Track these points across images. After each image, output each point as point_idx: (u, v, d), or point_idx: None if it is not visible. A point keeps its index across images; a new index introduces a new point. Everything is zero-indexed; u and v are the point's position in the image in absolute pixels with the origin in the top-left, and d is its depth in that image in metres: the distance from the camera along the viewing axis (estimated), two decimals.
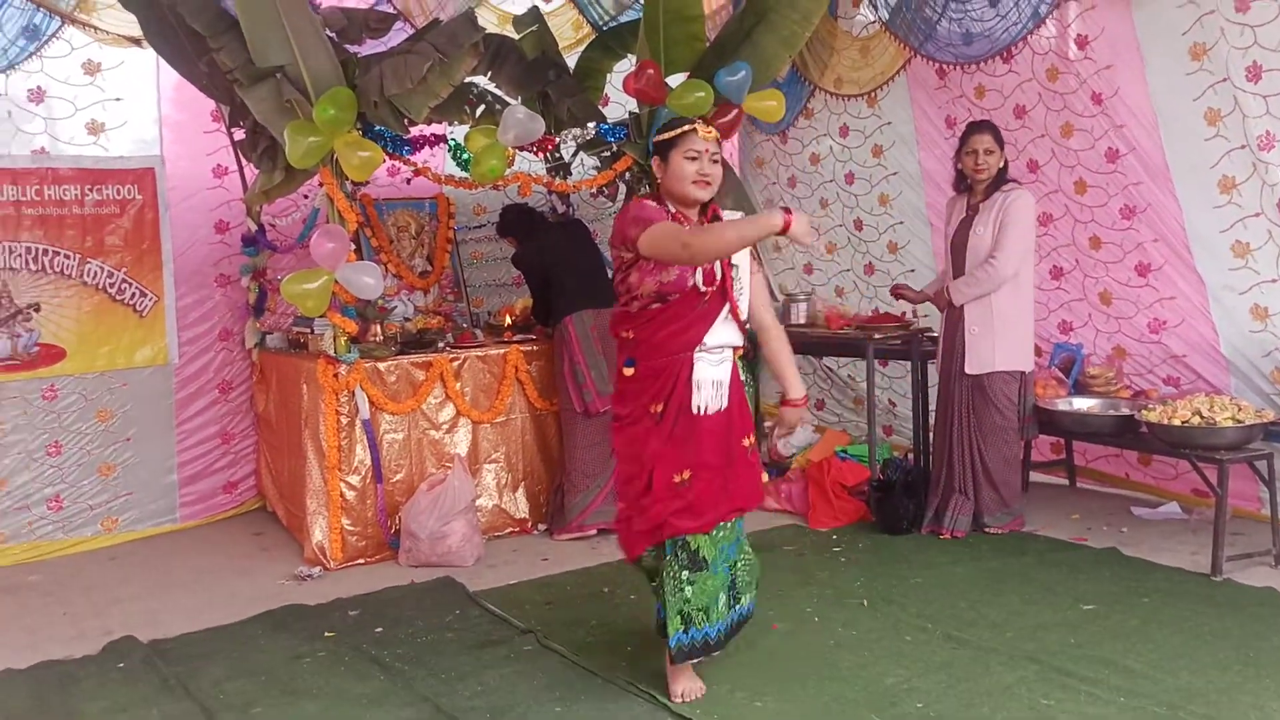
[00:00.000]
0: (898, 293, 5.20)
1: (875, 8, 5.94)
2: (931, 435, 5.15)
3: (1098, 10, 4.93)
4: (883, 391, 6.30)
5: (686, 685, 3.23)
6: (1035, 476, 5.54)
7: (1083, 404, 4.94)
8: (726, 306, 3.19)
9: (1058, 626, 3.70)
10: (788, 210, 2.98)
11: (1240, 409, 4.30)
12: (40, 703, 3.40)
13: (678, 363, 3.17)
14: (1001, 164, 4.75)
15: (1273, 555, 4.29)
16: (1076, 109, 5.10)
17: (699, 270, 3.12)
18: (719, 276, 3.17)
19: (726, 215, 3.29)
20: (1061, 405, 4.92)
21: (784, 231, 2.96)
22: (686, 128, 3.18)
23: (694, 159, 3.14)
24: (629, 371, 3.20)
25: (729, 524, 3.23)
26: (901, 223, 6.16)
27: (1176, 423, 4.29)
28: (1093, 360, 5.29)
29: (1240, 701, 3.06)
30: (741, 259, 3.24)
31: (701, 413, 3.18)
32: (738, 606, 3.31)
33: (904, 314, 5.67)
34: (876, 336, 5.32)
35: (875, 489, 5.03)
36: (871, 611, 3.94)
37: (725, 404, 3.23)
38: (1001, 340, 4.71)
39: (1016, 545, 4.69)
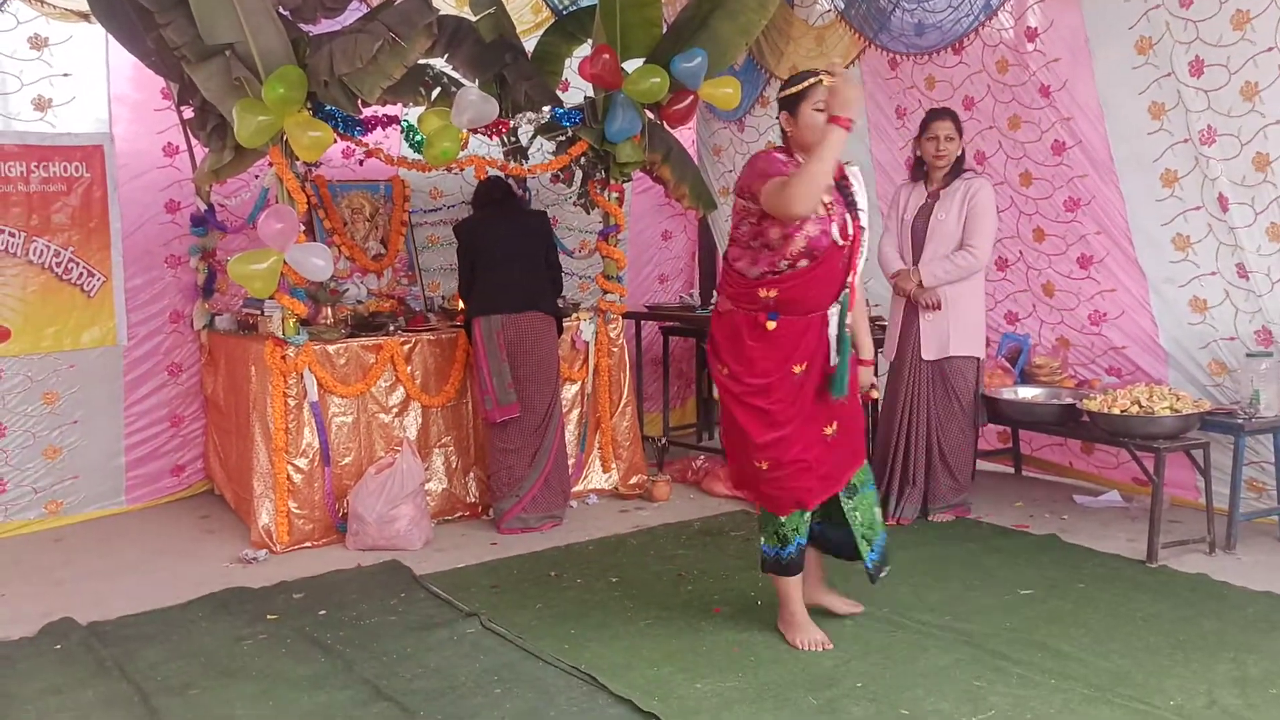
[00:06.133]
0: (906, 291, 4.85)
1: None
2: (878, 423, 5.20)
3: (1048, 3, 4.99)
4: None
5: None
6: (982, 465, 5.59)
7: (1027, 393, 5.01)
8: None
9: (994, 611, 3.76)
10: (836, 119, 3.08)
11: (1179, 399, 4.38)
12: None
13: (819, 319, 3.34)
14: (960, 152, 4.79)
15: (1207, 543, 4.38)
16: (1025, 101, 5.16)
17: (834, 225, 3.26)
18: (850, 232, 3.32)
19: (850, 173, 3.41)
20: (1007, 394, 4.98)
21: (847, 127, 3.09)
22: (812, 80, 3.27)
23: (823, 110, 3.18)
24: (772, 325, 3.29)
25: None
26: None
27: (1116, 412, 4.36)
28: (1038, 350, 5.37)
29: (1167, 685, 3.13)
30: (866, 220, 3.39)
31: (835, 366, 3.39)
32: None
33: None
34: None
35: None
36: None
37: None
38: (956, 326, 4.76)
39: (961, 532, 4.75)
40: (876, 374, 5.38)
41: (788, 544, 3.46)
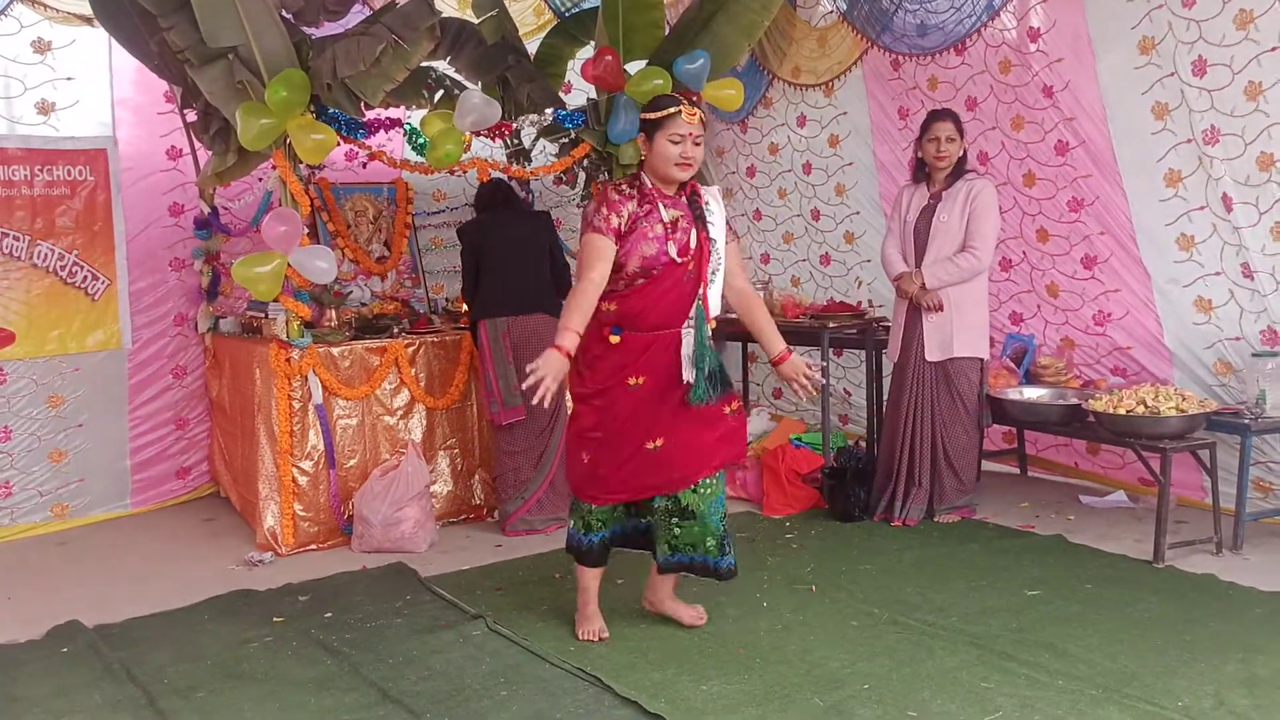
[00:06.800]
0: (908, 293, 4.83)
1: None
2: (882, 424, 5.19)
3: (1050, 3, 4.99)
4: (838, 381, 6.36)
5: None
6: (987, 465, 5.58)
7: (1032, 393, 4.99)
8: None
9: (1001, 612, 3.76)
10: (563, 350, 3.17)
11: (1184, 399, 4.37)
12: None
13: (666, 337, 3.39)
14: (961, 153, 4.77)
15: (1214, 543, 4.37)
16: (1027, 101, 5.15)
17: (671, 244, 3.32)
18: (694, 247, 3.37)
19: (705, 191, 3.45)
20: (1012, 394, 4.96)
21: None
22: (671, 110, 3.29)
23: (678, 142, 3.29)
24: (615, 339, 3.37)
25: (712, 480, 3.49)
26: (858, 213, 6.20)
27: (1121, 412, 4.35)
28: (1043, 351, 5.36)
29: (1174, 685, 3.11)
30: (718, 234, 3.44)
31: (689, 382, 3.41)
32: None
33: (859, 303, 5.71)
34: (831, 325, 5.36)
35: (828, 477, 5.07)
36: (820, 597, 3.98)
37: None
38: (960, 327, 4.74)
39: (966, 533, 4.74)
40: (881, 375, 5.43)
41: (590, 531, 3.58)
